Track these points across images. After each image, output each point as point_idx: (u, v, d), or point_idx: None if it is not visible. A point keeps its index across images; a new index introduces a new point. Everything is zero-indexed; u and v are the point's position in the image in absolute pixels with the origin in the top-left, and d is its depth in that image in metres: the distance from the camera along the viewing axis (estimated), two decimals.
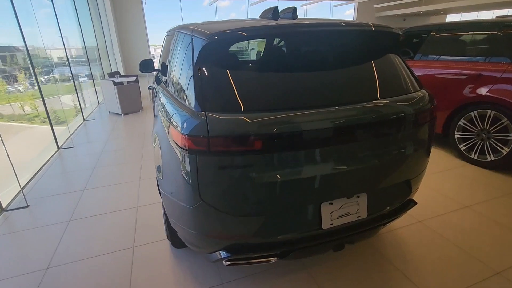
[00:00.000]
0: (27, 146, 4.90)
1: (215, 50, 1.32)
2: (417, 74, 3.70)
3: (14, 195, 2.77)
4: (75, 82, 6.36)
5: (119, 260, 1.93)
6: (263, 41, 1.97)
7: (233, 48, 1.45)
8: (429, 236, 2.07)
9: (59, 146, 4.21)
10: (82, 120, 5.79)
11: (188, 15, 14.26)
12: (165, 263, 1.89)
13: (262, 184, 1.24)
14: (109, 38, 11.31)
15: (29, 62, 4.07)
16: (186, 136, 1.20)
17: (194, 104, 1.25)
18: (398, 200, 1.62)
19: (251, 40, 1.75)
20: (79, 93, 6.35)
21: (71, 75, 6.52)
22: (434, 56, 3.66)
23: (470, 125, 3.19)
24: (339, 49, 1.52)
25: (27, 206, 2.60)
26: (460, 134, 3.30)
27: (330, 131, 1.27)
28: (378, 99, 1.40)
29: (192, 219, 1.35)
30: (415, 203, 1.71)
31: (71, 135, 4.86)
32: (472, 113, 3.13)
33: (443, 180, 2.89)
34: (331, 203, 1.39)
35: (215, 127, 1.17)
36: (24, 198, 2.68)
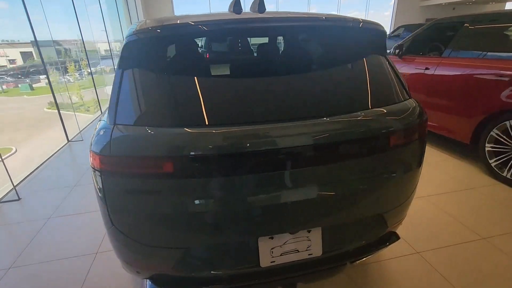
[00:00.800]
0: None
1: (138, 50, 1.10)
2: (443, 73, 3.19)
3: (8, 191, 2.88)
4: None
5: (77, 265, 1.87)
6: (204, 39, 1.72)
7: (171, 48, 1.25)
8: (423, 274, 1.71)
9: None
10: None
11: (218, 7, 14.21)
12: (121, 275, 1.78)
13: (177, 213, 1.04)
14: None
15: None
16: (91, 152, 1.04)
17: (108, 114, 1.08)
18: (370, 236, 1.32)
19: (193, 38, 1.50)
20: None
21: (113, 67, 6.89)
22: (467, 52, 3.10)
23: (504, 137, 2.65)
24: (300, 50, 1.26)
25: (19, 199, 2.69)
26: (491, 147, 2.76)
27: (272, 153, 1.01)
28: (345, 113, 1.11)
29: (111, 243, 1.20)
30: (397, 238, 1.39)
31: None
32: (507, 122, 2.59)
33: (462, 200, 2.44)
34: (272, 238, 1.14)
35: (119, 144, 0.99)
36: (16, 191, 2.78)
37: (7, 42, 10.22)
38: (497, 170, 2.73)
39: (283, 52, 1.33)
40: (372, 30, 1.26)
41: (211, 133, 0.99)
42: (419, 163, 1.30)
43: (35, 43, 3.83)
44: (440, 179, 2.81)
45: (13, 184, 2.77)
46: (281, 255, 1.16)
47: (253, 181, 1.04)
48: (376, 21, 1.28)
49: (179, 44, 1.25)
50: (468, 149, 3.02)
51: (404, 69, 3.73)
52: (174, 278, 1.19)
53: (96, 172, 1.03)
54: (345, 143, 1.09)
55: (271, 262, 1.15)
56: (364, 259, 1.33)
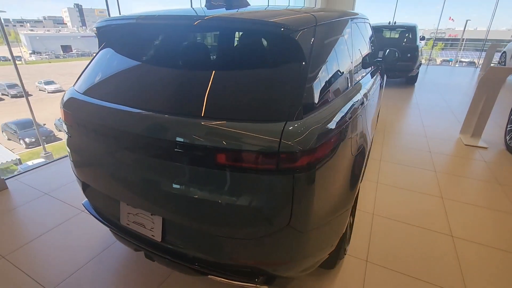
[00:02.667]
0: None
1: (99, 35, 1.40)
2: None
3: None
4: None
5: None
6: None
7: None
8: None
9: None
10: None
11: None
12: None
13: (76, 156, 1.43)
14: None
15: None
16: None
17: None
18: (217, 255, 1.17)
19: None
20: None
21: None
22: None
23: None
24: (199, 50, 1.33)
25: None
26: None
27: (127, 133, 1.11)
28: (196, 117, 1.01)
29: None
30: (268, 282, 1.18)
31: None
32: None
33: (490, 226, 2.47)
34: (129, 205, 1.30)
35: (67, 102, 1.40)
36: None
37: None
38: None
39: (189, 50, 1.31)
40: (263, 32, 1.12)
41: (88, 104, 1.26)
42: (309, 206, 1.03)
43: None
44: None
45: None
46: (133, 222, 1.30)
47: (109, 149, 1.22)
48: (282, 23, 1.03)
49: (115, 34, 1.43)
50: None
51: None
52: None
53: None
54: (184, 146, 1.01)
55: (126, 223, 1.32)
56: (225, 280, 1.19)
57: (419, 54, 6.83)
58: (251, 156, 0.94)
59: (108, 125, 1.16)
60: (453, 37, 45.43)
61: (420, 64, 7.22)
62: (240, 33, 1.24)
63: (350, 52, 1.59)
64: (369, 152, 2.11)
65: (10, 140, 15.14)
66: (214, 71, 1.13)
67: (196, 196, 1.05)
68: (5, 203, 2.34)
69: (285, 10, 1.27)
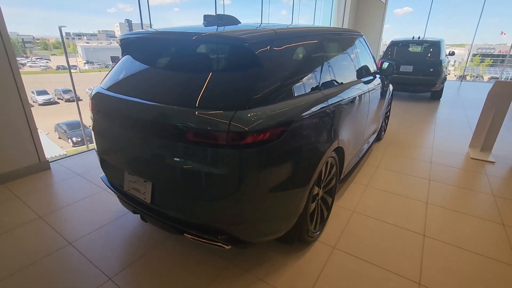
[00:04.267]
0: None
1: (122, 46, 1.90)
2: None
3: None
4: None
5: None
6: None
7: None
8: None
9: None
10: None
11: None
12: None
13: (99, 135, 1.85)
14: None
15: None
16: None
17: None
18: (191, 216, 1.52)
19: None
20: None
21: None
22: None
23: None
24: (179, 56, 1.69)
25: None
26: None
27: (129, 117, 1.53)
28: (179, 105, 1.38)
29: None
30: (228, 242, 1.45)
31: None
32: None
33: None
34: (130, 174, 1.68)
35: (94, 96, 1.84)
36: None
37: None
38: None
39: (178, 58, 1.68)
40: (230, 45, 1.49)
41: (108, 96, 1.68)
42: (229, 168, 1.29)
43: None
44: None
45: None
46: (132, 188, 1.67)
47: (119, 129, 1.62)
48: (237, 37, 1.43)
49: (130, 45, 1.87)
50: None
51: None
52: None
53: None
54: (168, 127, 1.37)
55: (128, 189, 1.70)
56: (196, 238, 1.48)
57: (443, 69, 6.73)
58: (211, 134, 1.28)
59: (118, 111, 1.59)
60: (504, 53, 42.35)
61: (445, 79, 7.08)
62: (216, 45, 1.59)
63: (317, 61, 1.88)
64: (346, 153, 2.31)
65: (60, 138, 16.98)
66: (194, 74, 1.52)
67: (173, 165, 1.42)
68: (46, 179, 2.89)
69: (253, 29, 1.59)
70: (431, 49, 6.91)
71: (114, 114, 1.63)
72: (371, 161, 3.47)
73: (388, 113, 4.38)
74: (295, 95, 1.58)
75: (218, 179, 1.33)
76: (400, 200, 2.61)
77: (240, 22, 1.91)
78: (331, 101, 1.86)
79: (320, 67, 1.88)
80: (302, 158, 1.57)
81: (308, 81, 1.73)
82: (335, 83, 2.09)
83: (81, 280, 1.69)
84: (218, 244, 1.46)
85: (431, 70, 6.58)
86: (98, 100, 1.75)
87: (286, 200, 1.56)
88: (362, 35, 2.86)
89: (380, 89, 3.23)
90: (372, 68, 3.13)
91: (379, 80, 3.21)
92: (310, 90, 1.73)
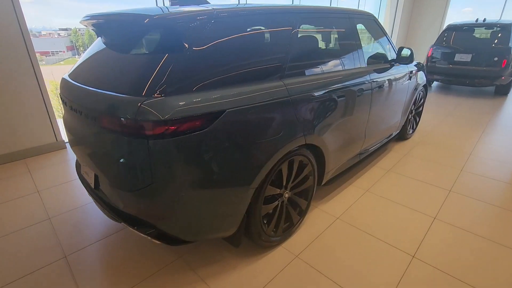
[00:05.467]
0: None
1: None
2: None
3: None
4: None
5: None
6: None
7: None
8: None
9: None
10: None
11: None
12: None
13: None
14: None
15: None
16: None
17: None
18: (121, 204, 1.45)
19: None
20: None
21: None
22: None
23: None
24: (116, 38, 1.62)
25: None
26: None
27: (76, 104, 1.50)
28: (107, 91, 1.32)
29: None
30: (152, 232, 1.41)
31: None
32: None
33: None
34: (82, 163, 1.75)
35: None
36: None
37: None
38: None
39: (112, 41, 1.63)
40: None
41: (65, 83, 1.67)
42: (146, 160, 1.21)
43: None
44: None
45: None
46: (84, 172, 1.74)
47: (68, 115, 1.66)
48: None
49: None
50: None
51: None
52: None
53: None
54: (90, 112, 1.37)
55: (83, 173, 1.79)
56: (130, 227, 1.45)
57: None
58: (118, 121, 1.21)
59: (70, 98, 1.58)
60: None
61: None
62: (146, 27, 1.41)
63: (279, 47, 1.63)
64: (327, 152, 2.03)
65: None
66: (122, 57, 1.48)
67: (99, 152, 1.40)
68: (61, 157, 3.18)
69: (195, 9, 1.40)
70: (498, 34, 5.74)
71: (67, 101, 1.64)
72: (384, 162, 3.04)
73: (420, 109, 3.78)
74: (237, 83, 1.39)
75: (133, 170, 1.27)
76: (402, 212, 2.23)
77: (208, 3, 1.76)
78: (296, 92, 1.62)
79: (284, 53, 1.64)
80: (239, 154, 1.40)
81: (261, 69, 1.52)
82: (313, 72, 1.83)
83: (40, 253, 1.81)
84: (148, 237, 1.41)
85: (496, 59, 5.49)
86: (61, 88, 1.79)
87: (220, 198, 1.42)
88: (370, 16, 2.45)
89: (400, 81, 2.77)
90: (388, 55, 2.69)
91: (398, 70, 2.75)
92: (264, 78, 1.52)
